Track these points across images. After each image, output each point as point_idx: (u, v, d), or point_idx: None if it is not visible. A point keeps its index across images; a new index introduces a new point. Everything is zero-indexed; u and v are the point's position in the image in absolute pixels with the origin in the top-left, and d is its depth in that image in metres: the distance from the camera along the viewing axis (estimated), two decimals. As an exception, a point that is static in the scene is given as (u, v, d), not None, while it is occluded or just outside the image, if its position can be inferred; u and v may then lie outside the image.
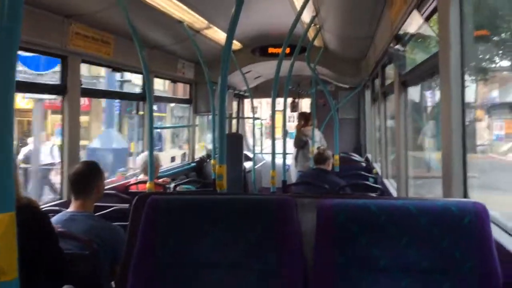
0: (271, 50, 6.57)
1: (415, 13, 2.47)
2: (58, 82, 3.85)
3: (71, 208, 2.62)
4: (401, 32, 3.09)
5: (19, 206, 1.72)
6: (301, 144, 6.78)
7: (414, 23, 2.67)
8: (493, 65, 3.20)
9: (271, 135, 4.79)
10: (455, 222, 1.43)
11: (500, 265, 1.41)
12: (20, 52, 3.90)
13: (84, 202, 2.60)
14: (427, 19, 2.42)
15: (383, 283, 1.44)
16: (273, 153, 4.66)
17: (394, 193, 4.33)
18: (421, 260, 1.43)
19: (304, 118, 7.02)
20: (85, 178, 2.62)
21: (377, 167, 6.04)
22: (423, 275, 1.42)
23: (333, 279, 1.46)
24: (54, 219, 2.50)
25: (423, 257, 1.43)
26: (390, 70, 4.62)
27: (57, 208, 3.16)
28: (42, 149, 9.68)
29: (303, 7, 3.90)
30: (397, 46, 3.42)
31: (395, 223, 1.46)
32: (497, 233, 1.63)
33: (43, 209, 2.97)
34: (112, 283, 2.52)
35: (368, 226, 1.47)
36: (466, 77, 1.93)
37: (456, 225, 1.42)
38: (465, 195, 1.92)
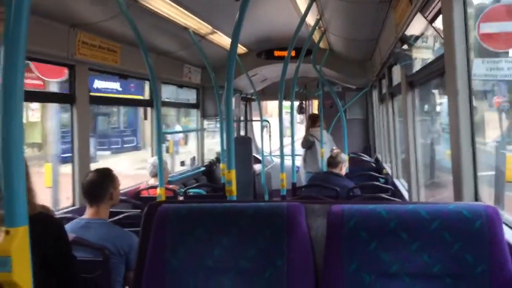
0: (276, 53, 6.58)
1: (419, 16, 2.47)
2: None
3: (86, 215, 2.65)
4: (406, 33, 3.09)
5: (34, 214, 1.76)
6: (308, 144, 6.79)
7: (419, 25, 2.67)
8: None
9: (280, 138, 4.79)
10: (466, 226, 1.42)
11: None
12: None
13: (98, 209, 2.63)
14: (432, 21, 2.41)
15: None
16: (282, 156, 4.67)
17: (405, 193, 4.32)
18: (433, 265, 1.43)
19: (311, 119, 7.05)
20: (98, 185, 2.64)
21: (387, 168, 6.02)
22: (435, 279, 1.42)
23: (343, 285, 1.46)
24: (69, 227, 2.53)
25: (435, 262, 1.43)
26: (396, 71, 4.61)
27: (70, 215, 3.19)
28: None
29: (307, 10, 3.90)
30: (403, 47, 3.41)
31: (406, 227, 1.46)
32: (510, 235, 1.62)
33: (57, 216, 3.00)
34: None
35: (378, 231, 1.47)
36: None
37: (468, 229, 1.42)
38: (476, 198, 1.91)
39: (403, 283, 1.44)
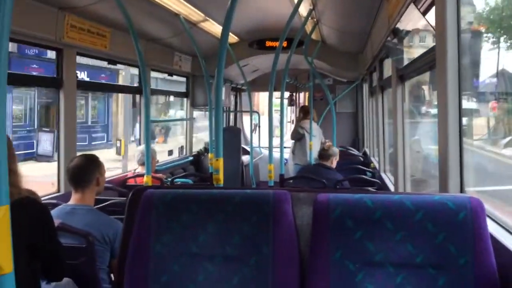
0: (268, 43, 6.55)
1: (412, 7, 2.46)
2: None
3: (71, 201, 2.62)
4: (398, 26, 3.08)
5: (19, 198, 1.73)
6: (298, 136, 6.78)
7: (412, 18, 2.66)
8: None
9: (269, 129, 4.79)
10: (450, 217, 1.43)
11: (496, 259, 1.41)
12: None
13: (83, 195, 2.60)
14: (424, 13, 2.41)
15: (378, 277, 1.44)
16: (271, 147, 4.66)
17: (391, 187, 4.34)
18: (416, 255, 1.43)
19: (303, 111, 7.04)
20: (83, 170, 2.61)
21: (375, 161, 6.05)
22: (418, 270, 1.43)
23: (328, 273, 1.46)
24: (54, 212, 2.49)
25: (418, 252, 1.43)
26: (387, 64, 4.61)
27: (54, 201, 3.15)
28: None
29: (300, 0, 3.88)
30: (394, 40, 3.41)
31: (391, 217, 1.46)
32: (493, 228, 1.63)
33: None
34: (112, 275, 2.54)
35: (364, 220, 1.47)
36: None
37: (452, 220, 1.42)
38: (462, 189, 1.92)
39: (387, 272, 1.44)
